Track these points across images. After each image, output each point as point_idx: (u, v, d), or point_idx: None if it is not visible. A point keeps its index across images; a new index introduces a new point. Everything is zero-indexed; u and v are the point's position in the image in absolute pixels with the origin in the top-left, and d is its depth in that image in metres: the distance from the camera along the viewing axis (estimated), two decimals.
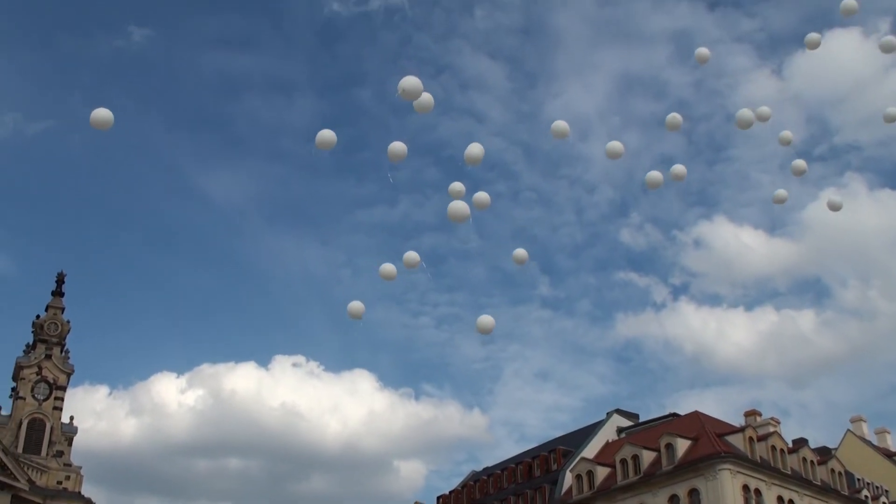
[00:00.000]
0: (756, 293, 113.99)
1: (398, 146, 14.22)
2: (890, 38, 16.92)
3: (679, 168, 16.50)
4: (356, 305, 14.79)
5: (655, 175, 16.23)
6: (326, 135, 14.25)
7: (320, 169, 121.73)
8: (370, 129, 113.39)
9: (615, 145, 15.79)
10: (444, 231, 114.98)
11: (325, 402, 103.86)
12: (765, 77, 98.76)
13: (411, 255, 15.14)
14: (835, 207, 18.29)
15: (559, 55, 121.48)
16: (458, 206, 14.61)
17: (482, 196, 14.98)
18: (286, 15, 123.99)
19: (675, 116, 17.04)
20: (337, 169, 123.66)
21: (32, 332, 49.00)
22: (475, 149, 14.70)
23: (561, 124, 15.42)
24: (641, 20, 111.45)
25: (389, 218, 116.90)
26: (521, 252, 15.89)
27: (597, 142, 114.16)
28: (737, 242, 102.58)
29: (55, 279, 50.82)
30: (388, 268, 14.97)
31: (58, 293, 50.36)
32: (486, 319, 14.63)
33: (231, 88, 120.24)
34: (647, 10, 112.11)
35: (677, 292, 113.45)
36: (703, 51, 17.73)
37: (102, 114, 12.96)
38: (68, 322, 49.86)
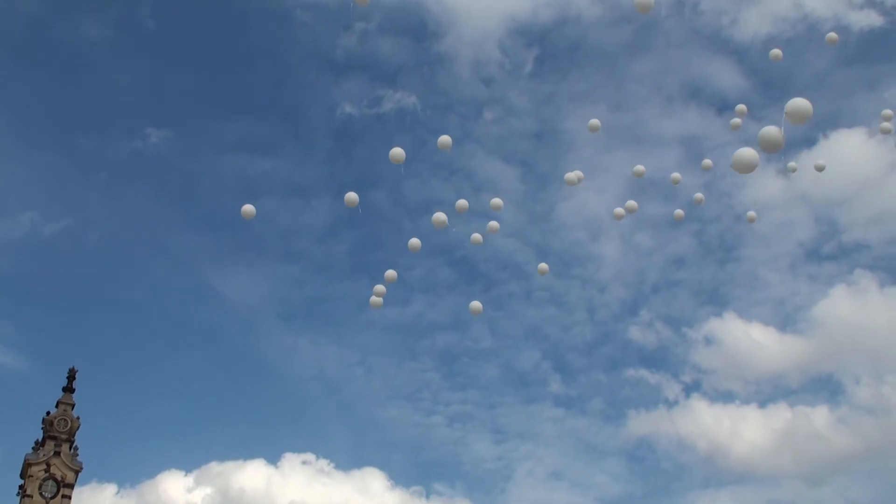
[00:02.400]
0: (769, 390, 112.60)
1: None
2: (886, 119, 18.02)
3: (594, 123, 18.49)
4: (379, 289, 16.43)
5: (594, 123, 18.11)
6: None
7: (335, 269, 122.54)
8: (384, 230, 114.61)
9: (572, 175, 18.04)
10: (458, 330, 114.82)
11: (336, 501, 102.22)
12: (771, 177, 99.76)
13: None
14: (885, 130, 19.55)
15: (571, 158, 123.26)
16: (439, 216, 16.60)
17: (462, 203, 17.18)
18: (303, 118, 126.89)
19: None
20: (351, 269, 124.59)
21: (42, 428, 48.91)
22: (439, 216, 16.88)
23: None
24: (651, 125, 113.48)
25: (403, 317, 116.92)
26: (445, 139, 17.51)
27: (608, 242, 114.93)
28: (747, 339, 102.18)
29: (66, 375, 51.09)
30: (415, 242, 17.11)
31: (68, 389, 50.46)
32: (476, 305, 16.06)
33: (248, 190, 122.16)
34: (656, 116, 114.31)
35: (689, 390, 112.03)
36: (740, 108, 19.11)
37: (397, 151, 15.16)
38: (78, 418, 49.82)
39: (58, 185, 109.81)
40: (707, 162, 20.87)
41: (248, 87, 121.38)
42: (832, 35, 18.74)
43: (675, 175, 19.94)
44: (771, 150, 14.45)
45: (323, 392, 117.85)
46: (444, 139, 17.41)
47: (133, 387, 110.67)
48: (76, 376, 51.13)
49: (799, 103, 14.78)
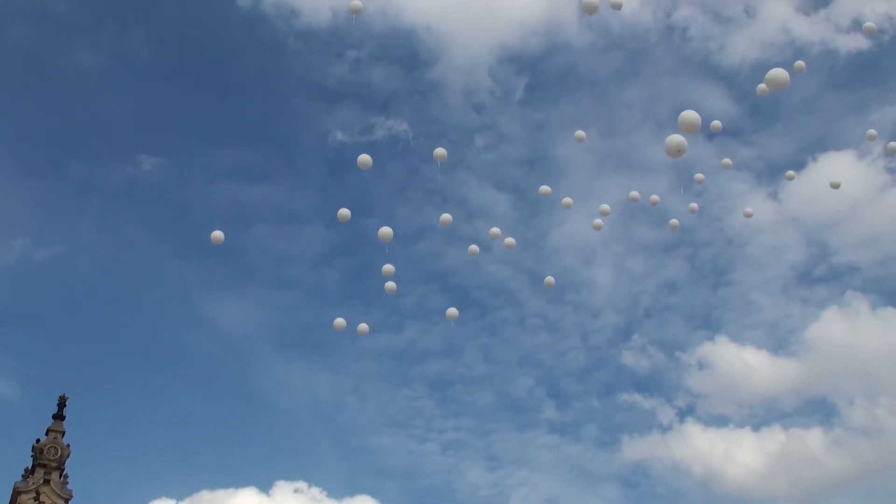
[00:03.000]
0: (763, 413, 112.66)
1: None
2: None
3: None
4: (363, 328, 17.02)
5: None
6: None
7: (328, 296, 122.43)
8: (377, 257, 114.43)
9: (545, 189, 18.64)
10: (451, 356, 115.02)
11: None
12: (761, 200, 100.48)
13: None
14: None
15: (563, 184, 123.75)
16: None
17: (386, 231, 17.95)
18: (295, 146, 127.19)
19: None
20: (344, 296, 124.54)
21: (32, 456, 48.44)
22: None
23: None
24: (642, 150, 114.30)
25: (396, 344, 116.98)
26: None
27: (601, 268, 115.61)
28: (740, 363, 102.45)
29: (57, 402, 50.71)
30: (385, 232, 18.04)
31: (59, 416, 50.06)
32: (440, 150, 16.87)
33: (241, 217, 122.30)
34: (647, 141, 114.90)
35: (683, 414, 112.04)
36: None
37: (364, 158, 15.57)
38: (68, 446, 49.43)
39: (49, 212, 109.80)
40: (699, 176, 21.42)
41: (240, 114, 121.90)
42: (800, 63, 19.59)
43: (654, 197, 20.66)
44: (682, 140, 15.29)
45: (315, 419, 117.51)
46: (440, 151, 18.01)
47: (124, 414, 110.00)
48: (66, 403, 50.67)
49: (777, 73, 15.64)
